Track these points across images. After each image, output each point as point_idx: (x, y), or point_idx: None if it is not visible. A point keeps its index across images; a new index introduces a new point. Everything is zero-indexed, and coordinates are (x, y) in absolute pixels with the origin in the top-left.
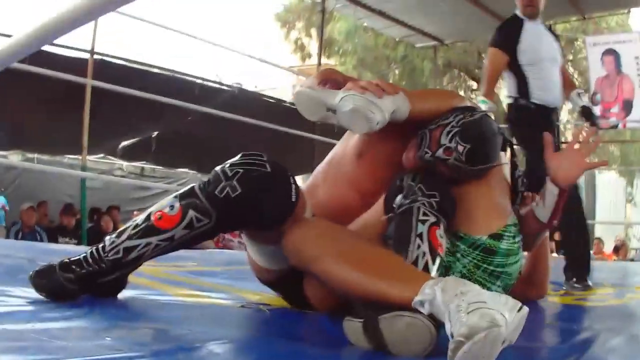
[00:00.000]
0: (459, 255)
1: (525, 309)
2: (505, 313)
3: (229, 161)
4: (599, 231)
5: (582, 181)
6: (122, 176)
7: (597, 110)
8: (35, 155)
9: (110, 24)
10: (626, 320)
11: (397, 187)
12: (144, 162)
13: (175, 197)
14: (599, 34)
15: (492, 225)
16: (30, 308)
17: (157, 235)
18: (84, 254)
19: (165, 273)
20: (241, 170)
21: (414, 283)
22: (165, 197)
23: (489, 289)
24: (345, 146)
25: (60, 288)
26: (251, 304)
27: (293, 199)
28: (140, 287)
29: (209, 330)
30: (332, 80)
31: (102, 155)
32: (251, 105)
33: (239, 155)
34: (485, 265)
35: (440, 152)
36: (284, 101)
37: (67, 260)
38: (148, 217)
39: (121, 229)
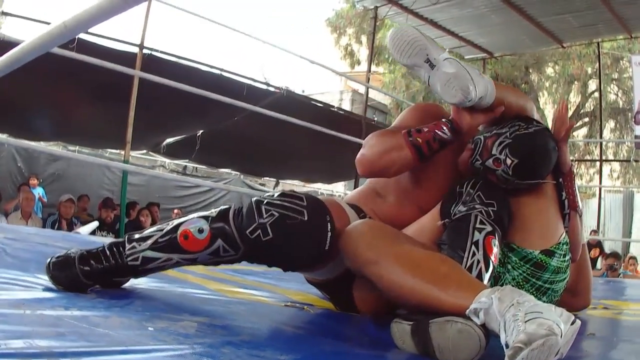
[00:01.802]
0: (509, 267)
1: (578, 322)
2: (560, 324)
3: (268, 197)
4: (634, 250)
5: (620, 199)
6: (165, 173)
7: (638, 129)
8: (77, 148)
9: (161, 18)
10: None
11: (455, 194)
12: (187, 160)
13: (206, 219)
14: None
15: (546, 241)
16: (68, 295)
17: (180, 254)
18: (102, 248)
19: (207, 269)
20: (277, 214)
21: (468, 291)
22: (195, 213)
23: None
24: None
25: (77, 282)
26: (295, 304)
27: (326, 247)
28: (182, 281)
29: (253, 326)
30: None
31: (144, 151)
32: (298, 108)
33: (277, 194)
34: (534, 280)
35: (490, 162)
36: (332, 106)
37: (86, 253)
38: (175, 230)
39: (146, 232)
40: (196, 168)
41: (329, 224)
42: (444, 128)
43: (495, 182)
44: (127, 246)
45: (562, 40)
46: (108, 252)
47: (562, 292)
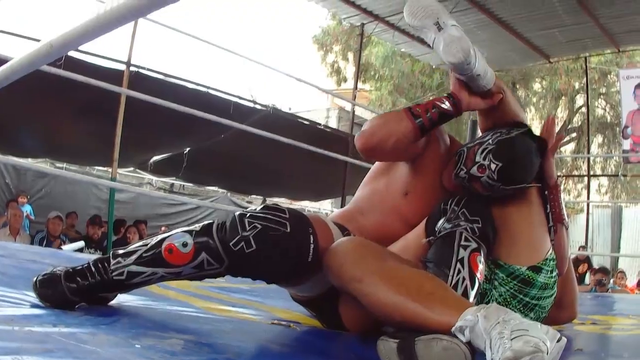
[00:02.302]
0: (496, 283)
1: (564, 339)
2: (546, 342)
3: (250, 211)
4: (622, 264)
5: (609, 214)
6: (152, 191)
7: (626, 143)
8: (64, 165)
9: (148, 36)
10: None
11: (440, 211)
12: (174, 178)
13: (190, 233)
14: (632, 67)
15: (533, 257)
16: (56, 312)
17: (165, 268)
18: (88, 265)
19: (194, 287)
20: (260, 227)
21: (454, 308)
22: (179, 228)
23: None
24: (387, 182)
25: (64, 299)
26: (281, 321)
27: (309, 259)
28: (169, 299)
29: (239, 344)
30: None
31: (131, 169)
32: (285, 126)
33: (260, 207)
34: (521, 296)
35: (474, 169)
36: (318, 124)
37: (71, 270)
38: (159, 245)
39: (131, 248)
40: (183, 186)
41: (311, 236)
42: (444, 100)
43: (481, 190)
44: (112, 262)
45: (549, 55)
46: (93, 269)
47: (549, 309)
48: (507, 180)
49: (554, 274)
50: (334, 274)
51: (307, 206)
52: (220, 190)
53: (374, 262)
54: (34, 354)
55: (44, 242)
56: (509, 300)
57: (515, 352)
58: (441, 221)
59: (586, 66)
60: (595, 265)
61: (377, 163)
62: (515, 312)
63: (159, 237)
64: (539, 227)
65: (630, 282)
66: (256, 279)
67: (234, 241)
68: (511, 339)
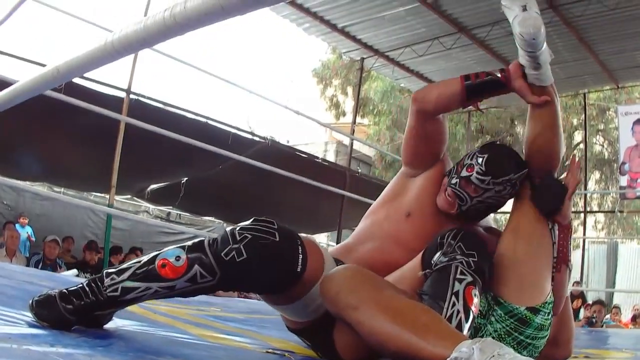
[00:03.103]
0: (492, 319)
1: None
2: None
3: (241, 224)
4: (617, 299)
5: (604, 250)
6: (149, 219)
7: (624, 180)
8: (62, 190)
9: (148, 64)
10: None
11: (437, 244)
12: (171, 207)
13: (182, 248)
14: (631, 104)
15: (533, 299)
16: (53, 333)
17: (159, 283)
18: (82, 285)
19: (188, 315)
20: (249, 236)
21: (448, 340)
22: (171, 246)
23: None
24: (387, 211)
25: (61, 319)
26: (276, 350)
27: (299, 269)
28: (164, 325)
29: None
30: None
31: (129, 196)
32: (283, 158)
33: (250, 220)
34: (516, 334)
35: (463, 171)
36: (316, 157)
37: (66, 291)
38: (152, 261)
39: (124, 265)
40: (180, 215)
41: (299, 247)
42: (497, 72)
43: (474, 194)
44: (106, 280)
45: None
46: (87, 289)
47: (541, 349)
48: (496, 172)
49: (550, 316)
50: (330, 300)
51: (304, 237)
52: (217, 220)
53: (371, 290)
54: None
55: (40, 265)
56: (503, 336)
57: None
58: (437, 255)
59: (585, 102)
60: (590, 301)
61: (383, 193)
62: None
63: (152, 254)
64: (545, 269)
65: (625, 317)
66: (248, 289)
67: (225, 251)
68: None
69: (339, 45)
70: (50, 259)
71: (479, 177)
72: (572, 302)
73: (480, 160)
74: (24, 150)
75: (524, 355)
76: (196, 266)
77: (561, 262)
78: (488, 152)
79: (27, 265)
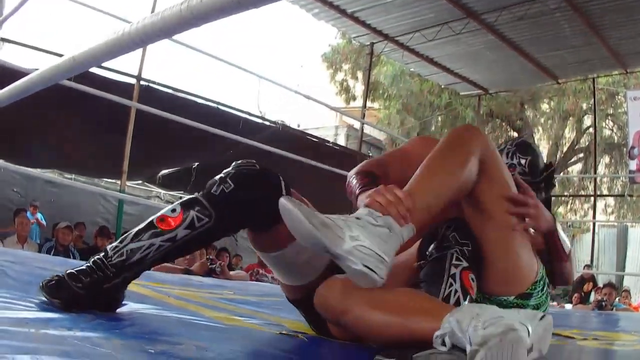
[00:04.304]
0: None
1: (549, 317)
2: (524, 322)
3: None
4: (628, 283)
5: (614, 234)
6: (160, 204)
7: (633, 164)
8: (73, 176)
9: (159, 50)
10: None
11: (431, 236)
12: (182, 192)
13: (177, 203)
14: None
15: (521, 285)
16: (70, 316)
17: (160, 236)
18: (87, 264)
19: (202, 298)
20: (233, 171)
21: (436, 315)
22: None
23: None
24: None
25: (73, 297)
26: (290, 332)
27: (284, 192)
28: (178, 308)
29: (249, 352)
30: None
31: (140, 182)
32: (293, 142)
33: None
34: None
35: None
36: (327, 141)
37: (74, 271)
38: (150, 221)
39: (123, 236)
40: None
41: (279, 176)
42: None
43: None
44: (109, 252)
45: (557, 76)
46: (94, 265)
47: None
48: (535, 172)
49: (545, 289)
50: (325, 311)
51: None
52: None
53: (359, 294)
54: (52, 354)
55: (52, 252)
56: None
57: (484, 337)
58: (432, 245)
59: (594, 87)
60: (600, 285)
61: None
62: None
63: (150, 217)
64: (524, 254)
65: (635, 300)
66: (244, 225)
67: (214, 188)
68: (484, 328)
69: (348, 31)
70: (63, 245)
71: (521, 177)
72: (583, 285)
73: (523, 161)
74: (34, 138)
75: None
76: (191, 211)
77: (559, 261)
78: (531, 155)
79: (39, 252)
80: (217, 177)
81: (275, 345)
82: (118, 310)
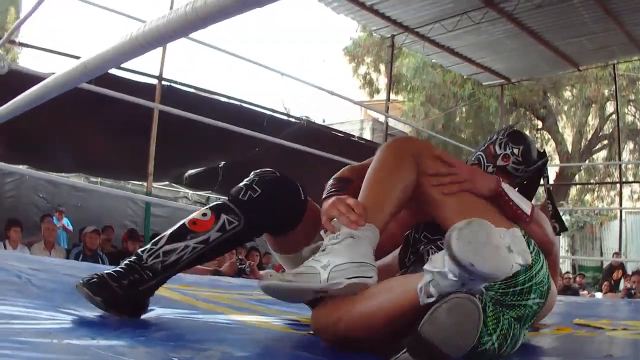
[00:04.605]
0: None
1: (515, 230)
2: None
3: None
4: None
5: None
6: (188, 205)
7: None
8: (99, 180)
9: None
10: None
11: (405, 244)
12: (210, 191)
13: (207, 208)
14: None
15: None
16: (94, 325)
17: (194, 239)
18: (121, 266)
19: (231, 300)
20: (256, 178)
21: (416, 278)
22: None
23: (524, 306)
24: None
25: (113, 297)
26: None
27: (302, 197)
28: (207, 311)
29: (276, 354)
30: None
31: (167, 182)
32: (318, 138)
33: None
34: (512, 289)
35: (499, 160)
36: (352, 135)
37: (112, 272)
38: (183, 225)
39: (156, 239)
40: (219, 199)
41: (297, 183)
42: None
43: (509, 181)
44: (143, 255)
45: (578, 63)
46: (127, 267)
47: (548, 278)
48: (529, 161)
49: (532, 246)
50: (322, 333)
51: None
52: None
53: (344, 300)
54: None
55: (80, 257)
56: (502, 299)
57: (463, 223)
58: (408, 252)
59: (614, 73)
60: (629, 272)
61: None
62: (514, 305)
63: (182, 221)
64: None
65: None
66: (271, 228)
67: (241, 194)
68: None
69: (368, 23)
70: (90, 249)
71: (515, 166)
72: (612, 273)
73: (516, 151)
74: (58, 142)
75: (533, 300)
76: (222, 215)
77: (518, 220)
78: (523, 144)
79: (67, 258)
80: (242, 183)
81: (303, 346)
82: (145, 315)
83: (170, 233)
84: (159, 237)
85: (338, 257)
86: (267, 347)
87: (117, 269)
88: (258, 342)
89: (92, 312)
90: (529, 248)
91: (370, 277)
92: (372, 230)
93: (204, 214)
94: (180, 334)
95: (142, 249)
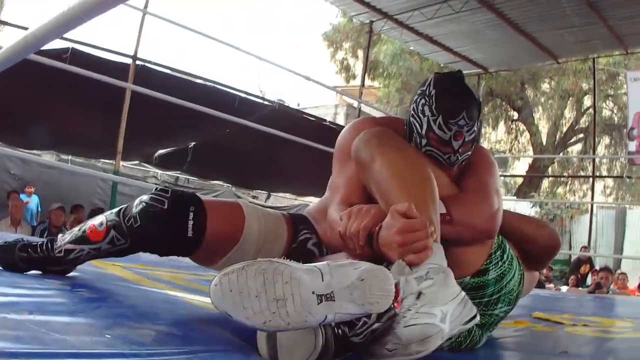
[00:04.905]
0: None
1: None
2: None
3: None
4: (625, 266)
5: (613, 215)
6: (156, 184)
7: (632, 145)
8: (70, 157)
9: (155, 30)
10: (639, 353)
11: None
12: (179, 172)
13: (106, 215)
14: None
15: (474, 263)
16: (36, 300)
17: (89, 245)
18: (41, 242)
19: (184, 280)
20: (144, 204)
21: None
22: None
23: (490, 315)
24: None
25: (13, 264)
26: None
27: (189, 234)
28: (153, 290)
29: (213, 337)
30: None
31: (137, 162)
32: (291, 121)
33: (154, 189)
34: (478, 300)
35: (412, 111)
36: (324, 120)
37: (27, 243)
38: (84, 231)
39: (71, 230)
40: (188, 179)
41: (191, 213)
42: None
43: (436, 144)
44: (57, 241)
45: (557, 55)
46: (43, 246)
47: (519, 287)
48: (443, 106)
49: (505, 256)
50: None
51: (311, 201)
52: (225, 184)
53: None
54: (3, 340)
55: (45, 234)
56: None
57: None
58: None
59: (594, 67)
60: (597, 267)
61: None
62: (480, 312)
63: (89, 222)
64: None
65: (632, 284)
66: (156, 253)
67: (126, 218)
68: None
69: (347, 9)
70: (56, 226)
71: (429, 108)
72: (579, 267)
73: (432, 92)
74: (31, 120)
75: (500, 309)
76: (112, 231)
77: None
78: (436, 88)
79: (32, 235)
80: (137, 200)
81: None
82: (87, 294)
83: (76, 232)
84: (71, 231)
85: (444, 302)
86: (209, 328)
87: (35, 243)
88: (197, 321)
89: (39, 287)
90: (504, 258)
91: (475, 311)
92: (440, 247)
93: (101, 224)
94: (121, 312)
95: (63, 234)
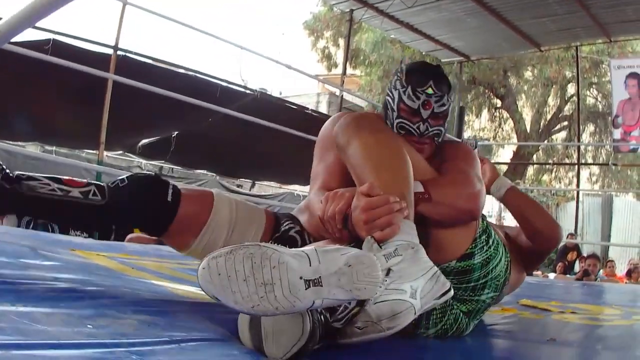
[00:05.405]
0: None
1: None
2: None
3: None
4: (613, 253)
5: (599, 203)
6: None
7: (617, 133)
8: (54, 148)
9: (136, 20)
10: (627, 340)
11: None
12: (163, 161)
13: (89, 181)
14: (623, 57)
15: (458, 247)
16: (20, 290)
17: (58, 184)
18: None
19: (168, 269)
20: (130, 173)
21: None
22: None
23: (476, 301)
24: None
25: None
26: None
27: (169, 199)
28: (136, 279)
29: (196, 326)
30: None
31: (120, 152)
32: (273, 110)
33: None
34: (464, 285)
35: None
36: (306, 108)
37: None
38: (60, 177)
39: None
40: (172, 169)
41: (170, 186)
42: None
43: (406, 115)
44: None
45: (539, 43)
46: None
47: (506, 272)
48: (413, 76)
49: (491, 240)
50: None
51: (296, 190)
52: (209, 173)
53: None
54: None
55: (30, 225)
56: (454, 292)
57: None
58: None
59: (577, 55)
60: (585, 254)
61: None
62: (466, 300)
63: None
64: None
65: (620, 271)
66: (131, 220)
67: (112, 182)
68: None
69: None
70: None
71: (400, 82)
72: (566, 254)
73: (402, 68)
74: (14, 111)
75: (487, 295)
76: (92, 187)
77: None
78: (407, 66)
79: (18, 226)
80: (118, 178)
81: (231, 319)
82: (70, 285)
83: (47, 175)
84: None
85: (413, 277)
86: (187, 316)
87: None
88: (181, 311)
89: (22, 278)
90: (490, 242)
91: (449, 285)
92: (411, 225)
93: (82, 180)
94: (105, 303)
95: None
